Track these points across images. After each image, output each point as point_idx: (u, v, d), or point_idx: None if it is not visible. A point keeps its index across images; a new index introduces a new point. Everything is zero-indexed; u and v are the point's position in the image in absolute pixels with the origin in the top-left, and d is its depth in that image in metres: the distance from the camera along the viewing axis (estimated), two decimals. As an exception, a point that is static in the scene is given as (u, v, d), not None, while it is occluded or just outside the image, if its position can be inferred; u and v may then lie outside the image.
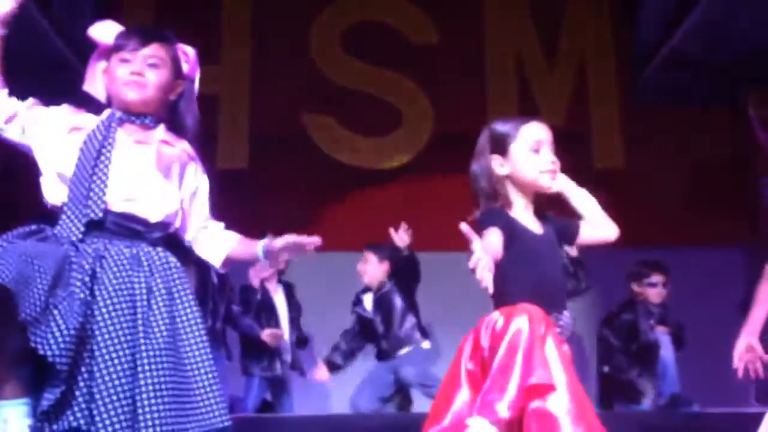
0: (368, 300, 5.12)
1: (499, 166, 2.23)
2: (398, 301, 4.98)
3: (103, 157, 2.08)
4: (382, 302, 5.02)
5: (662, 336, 5.19)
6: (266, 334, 5.10)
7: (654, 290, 5.17)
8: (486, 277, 1.87)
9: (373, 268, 5.08)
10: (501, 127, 2.26)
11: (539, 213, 2.28)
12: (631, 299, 5.26)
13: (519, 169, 2.21)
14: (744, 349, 2.39)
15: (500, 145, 2.23)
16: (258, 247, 2.19)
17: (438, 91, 6.63)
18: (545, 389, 1.96)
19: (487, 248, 1.95)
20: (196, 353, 2.01)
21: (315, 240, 2.13)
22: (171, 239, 2.19)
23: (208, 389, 1.99)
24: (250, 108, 6.66)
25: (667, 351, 5.15)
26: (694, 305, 5.43)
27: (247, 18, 6.82)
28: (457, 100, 6.54)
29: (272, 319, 5.27)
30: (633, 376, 5.09)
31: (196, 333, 2.03)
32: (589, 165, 6.38)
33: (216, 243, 2.23)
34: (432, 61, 6.68)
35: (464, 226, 1.95)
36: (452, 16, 6.76)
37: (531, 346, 1.95)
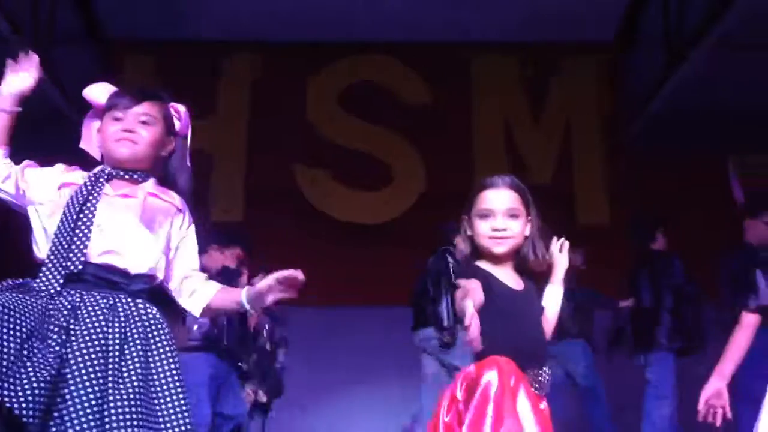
0: None
1: (467, 226, 2.32)
2: None
3: (87, 211, 2.09)
4: None
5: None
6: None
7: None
8: (475, 333, 1.94)
9: None
10: (474, 188, 2.34)
11: (522, 270, 2.31)
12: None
13: (474, 233, 2.29)
14: (712, 394, 2.43)
15: (468, 207, 2.32)
16: (242, 295, 2.18)
17: (429, 150, 6.80)
18: None
19: (472, 294, 2.02)
20: (170, 403, 2.00)
21: (297, 274, 2.09)
22: (156, 292, 2.18)
23: None
24: (245, 163, 6.82)
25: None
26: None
27: (245, 74, 7.02)
28: (446, 159, 6.70)
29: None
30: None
31: (171, 382, 2.02)
32: (574, 221, 6.52)
33: (196, 292, 2.22)
34: (423, 120, 6.87)
35: (463, 282, 2.02)
36: (443, 77, 6.97)
37: (500, 398, 2.00)
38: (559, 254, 2.38)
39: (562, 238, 2.40)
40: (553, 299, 2.38)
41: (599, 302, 5.46)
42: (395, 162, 6.84)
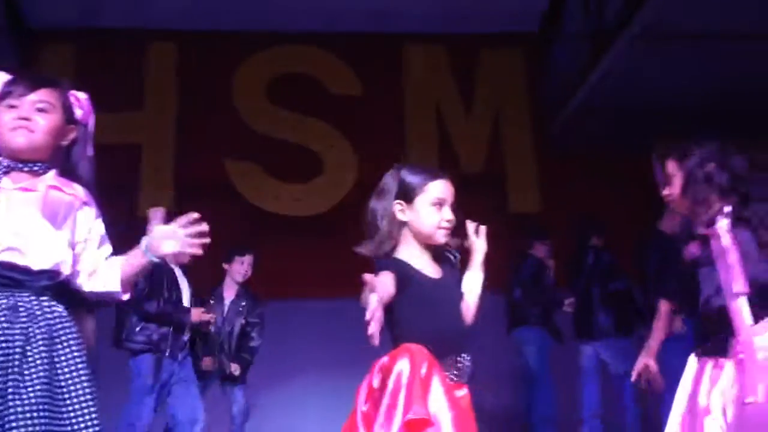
0: None
1: (400, 211, 2.32)
2: None
3: None
4: None
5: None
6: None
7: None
8: (374, 328, 1.95)
9: None
10: (412, 176, 2.35)
11: (439, 256, 2.34)
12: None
13: (418, 220, 2.30)
14: (642, 367, 2.87)
15: (407, 194, 2.32)
16: (141, 244, 2.14)
17: (360, 140, 6.80)
18: (423, 424, 2.02)
19: (380, 289, 2.03)
20: (76, 404, 1.96)
21: (199, 223, 2.14)
22: (62, 287, 2.11)
23: None
24: (174, 156, 6.69)
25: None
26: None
27: (171, 66, 6.89)
28: (378, 150, 6.70)
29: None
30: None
31: (78, 382, 1.98)
32: (505, 209, 6.62)
33: (105, 275, 2.17)
34: (354, 111, 6.86)
35: (368, 276, 2.02)
36: (374, 68, 6.98)
37: (411, 384, 2.04)
38: (477, 239, 2.41)
39: (475, 223, 2.42)
40: (472, 285, 2.40)
41: (551, 299, 5.56)
42: (326, 153, 6.82)
